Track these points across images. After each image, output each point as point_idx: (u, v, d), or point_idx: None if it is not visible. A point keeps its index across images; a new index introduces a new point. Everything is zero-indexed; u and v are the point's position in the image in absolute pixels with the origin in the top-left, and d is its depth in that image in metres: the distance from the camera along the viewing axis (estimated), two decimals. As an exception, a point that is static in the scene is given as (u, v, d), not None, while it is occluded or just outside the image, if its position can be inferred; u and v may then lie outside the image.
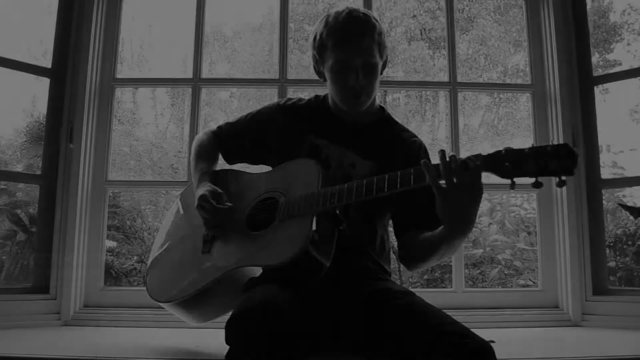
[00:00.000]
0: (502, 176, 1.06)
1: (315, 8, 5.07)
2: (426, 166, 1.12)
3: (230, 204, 1.41)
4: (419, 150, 1.50)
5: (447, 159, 1.09)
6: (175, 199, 1.71)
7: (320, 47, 1.43)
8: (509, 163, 1.05)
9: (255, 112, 1.62)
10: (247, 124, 1.60)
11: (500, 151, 1.07)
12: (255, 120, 1.60)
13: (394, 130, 1.54)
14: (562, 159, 1.00)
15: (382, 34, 1.42)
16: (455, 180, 1.09)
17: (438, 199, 1.12)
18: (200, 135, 1.66)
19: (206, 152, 1.60)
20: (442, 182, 1.11)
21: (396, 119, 1.59)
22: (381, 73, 1.47)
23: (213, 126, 1.68)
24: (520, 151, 1.05)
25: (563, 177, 1.01)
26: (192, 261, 1.44)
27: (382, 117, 1.56)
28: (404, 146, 1.50)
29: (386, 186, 1.19)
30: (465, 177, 1.08)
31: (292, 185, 1.37)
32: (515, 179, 1.05)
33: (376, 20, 1.42)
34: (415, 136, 1.55)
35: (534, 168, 1.02)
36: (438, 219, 1.18)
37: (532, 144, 1.06)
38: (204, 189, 1.45)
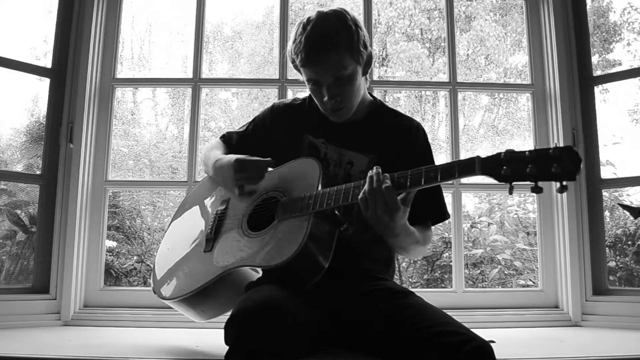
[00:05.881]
0: (501, 180, 1.01)
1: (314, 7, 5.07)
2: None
3: (269, 158, 1.40)
4: (417, 133, 1.49)
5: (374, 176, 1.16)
6: (182, 198, 1.72)
7: (293, 63, 1.41)
8: (507, 167, 1.00)
9: (255, 117, 1.66)
10: (248, 128, 1.64)
11: (499, 154, 1.03)
12: (255, 125, 1.64)
13: (389, 118, 1.52)
14: (565, 163, 0.95)
15: (355, 36, 1.33)
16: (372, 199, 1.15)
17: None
18: (212, 141, 1.70)
19: (218, 149, 1.63)
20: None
21: (390, 106, 1.57)
22: (365, 73, 1.44)
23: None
24: (521, 154, 1.00)
25: (564, 183, 0.96)
26: (195, 259, 1.45)
27: (376, 108, 1.54)
28: (402, 132, 1.48)
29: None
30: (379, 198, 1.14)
31: (293, 185, 1.37)
32: (514, 183, 1.00)
33: (345, 25, 1.32)
34: (413, 120, 1.53)
35: (534, 172, 0.97)
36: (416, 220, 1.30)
37: (534, 146, 1.02)
38: (231, 157, 1.44)
